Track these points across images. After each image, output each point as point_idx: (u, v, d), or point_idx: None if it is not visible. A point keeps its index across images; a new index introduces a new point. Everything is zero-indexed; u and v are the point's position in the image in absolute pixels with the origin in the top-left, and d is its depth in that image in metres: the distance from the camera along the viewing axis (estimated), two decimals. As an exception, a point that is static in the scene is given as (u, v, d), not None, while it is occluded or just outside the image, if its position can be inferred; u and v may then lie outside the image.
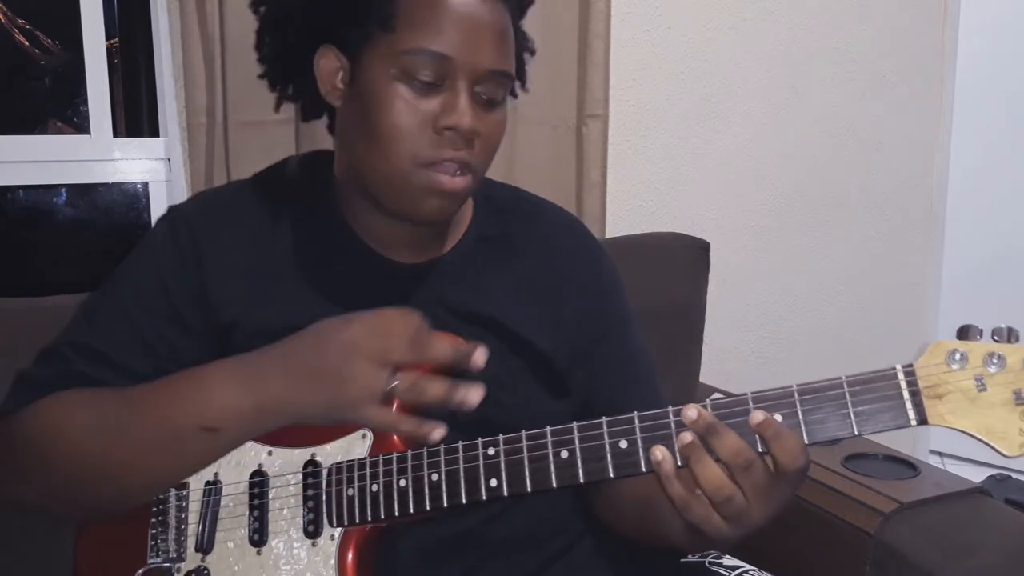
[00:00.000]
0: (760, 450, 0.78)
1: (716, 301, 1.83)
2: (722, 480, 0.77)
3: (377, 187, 0.99)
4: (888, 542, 1.27)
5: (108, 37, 1.72)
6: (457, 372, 0.98)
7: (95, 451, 0.94)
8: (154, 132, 1.77)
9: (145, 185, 1.79)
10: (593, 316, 1.10)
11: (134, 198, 2.03)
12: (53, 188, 2.27)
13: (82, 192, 2.27)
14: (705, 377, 1.82)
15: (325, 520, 0.93)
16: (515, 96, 1.08)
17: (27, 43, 2.29)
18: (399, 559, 0.98)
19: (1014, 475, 2.71)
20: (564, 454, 0.85)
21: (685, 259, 1.77)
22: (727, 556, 1.15)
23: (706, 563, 1.14)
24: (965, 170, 2.63)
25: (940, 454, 2.95)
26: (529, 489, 0.86)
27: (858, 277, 2.38)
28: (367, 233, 1.05)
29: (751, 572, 1.11)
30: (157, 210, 1.76)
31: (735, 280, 2.14)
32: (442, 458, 0.89)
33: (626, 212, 2.02)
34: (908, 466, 1.45)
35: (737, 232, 2.19)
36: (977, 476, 2.35)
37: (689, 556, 1.16)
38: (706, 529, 0.80)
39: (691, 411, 0.78)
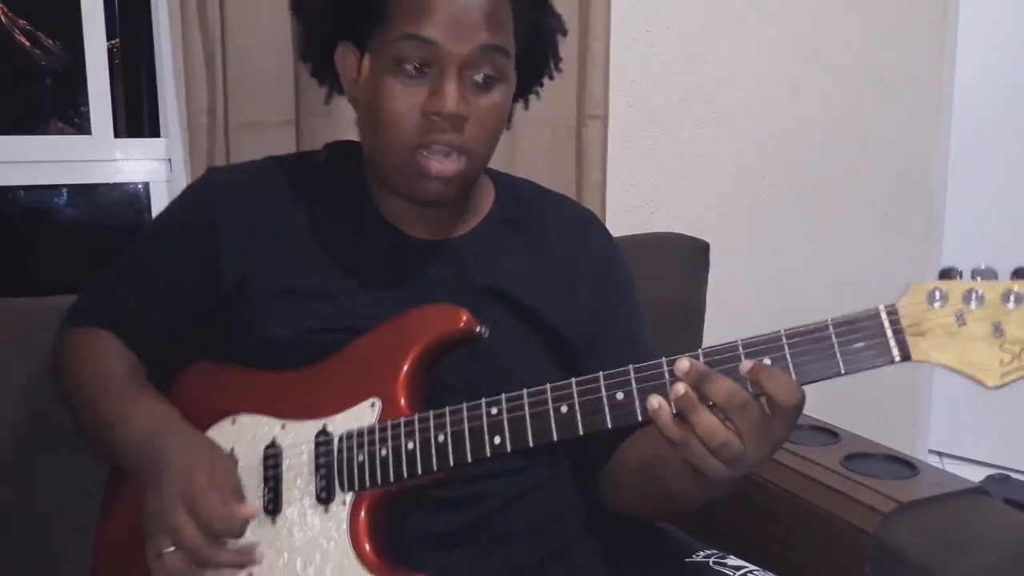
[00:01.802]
0: (754, 392, 0.80)
1: (716, 301, 1.83)
2: (717, 427, 0.79)
3: (383, 172, 1.04)
4: (887, 541, 1.27)
5: (109, 37, 1.73)
6: (467, 347, 0.99)
7: (76, 389, 1.10)
8: (155, 132, 1.77)
9: (146, 185, 1.79)
10: (605, 307, 1.13)
11: (135, 198, 2.04)
12: (54, 188, 2.28)
13: (83, 192, 2.27)
14: (705, 377, 1.81)
15: (337, 486, 0.95)
16: (542, 81, 1.11)
17: (28, 43, 2.29)
18: (407, 548, 0.98)
19: (1013, 475, 2.71)
20: (564, 408, 0.87)
21: (685, 259, 1.77)
22: (731, 556, 1.15)
23: (710, 563, 1.15)
24: (965, 170, 2.63)
25: (939, 454, 2.95)
26: (531, 444, 0.88)
27: (858, 277, 2.37)
28: (390, 212, 1.09)
29: (755, 572, 1.11)
30: (158, 211, 1.76)
31: (735, 280, 2.14)
32: (447, 419, 0.91)
33: (626, 212, 2.03)
34: (907, 466, 1.46)
35: (737, 232, 2.19)
36: (976, 476, 2.36)
37: (694, 556, 1.17)
38: (704, 470, 0.81)
39: (683, 362, 0.81)
